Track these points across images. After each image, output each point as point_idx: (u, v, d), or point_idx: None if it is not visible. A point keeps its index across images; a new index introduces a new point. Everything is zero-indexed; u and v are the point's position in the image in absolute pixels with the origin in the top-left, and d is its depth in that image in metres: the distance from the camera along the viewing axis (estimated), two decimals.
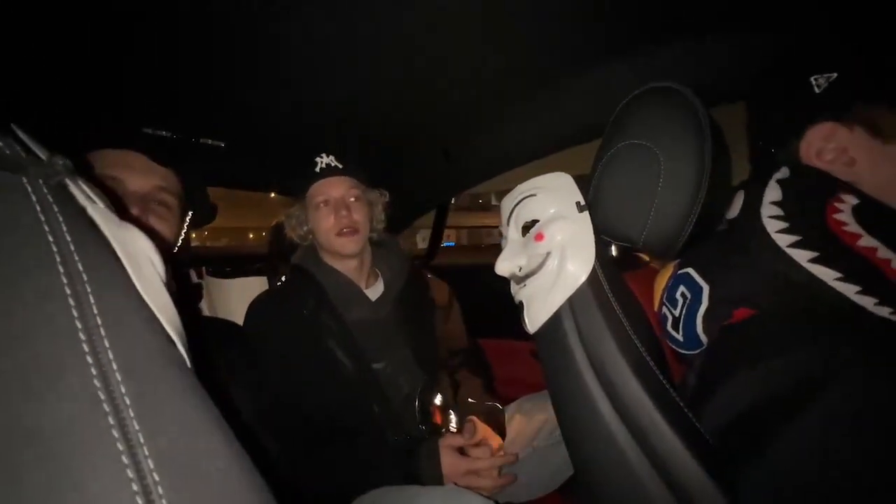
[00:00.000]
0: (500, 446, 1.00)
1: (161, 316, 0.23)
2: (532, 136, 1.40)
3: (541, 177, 0.62)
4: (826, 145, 0.56)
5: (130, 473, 0.18)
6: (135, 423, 0.19)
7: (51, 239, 0.20)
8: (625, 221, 0.59)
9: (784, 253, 0.53)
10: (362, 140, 1.45)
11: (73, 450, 0.18)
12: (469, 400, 1.09)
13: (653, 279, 0.72)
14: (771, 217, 0.55)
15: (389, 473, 0.93)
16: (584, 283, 0.56)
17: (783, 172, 0.57)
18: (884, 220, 0.51)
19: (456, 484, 0.91)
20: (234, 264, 1.64)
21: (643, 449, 0.52)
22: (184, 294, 0.90)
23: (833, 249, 0.51)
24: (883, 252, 0.49)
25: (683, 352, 0.63)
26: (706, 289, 0.59)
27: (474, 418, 1.01)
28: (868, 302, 0.49)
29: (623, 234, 0.60)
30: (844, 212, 0.51)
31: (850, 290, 0.49)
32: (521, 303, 0.63)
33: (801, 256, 0.52)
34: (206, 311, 1.52)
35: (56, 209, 0.21)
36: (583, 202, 0.59)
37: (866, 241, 0.50)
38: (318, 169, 1.11)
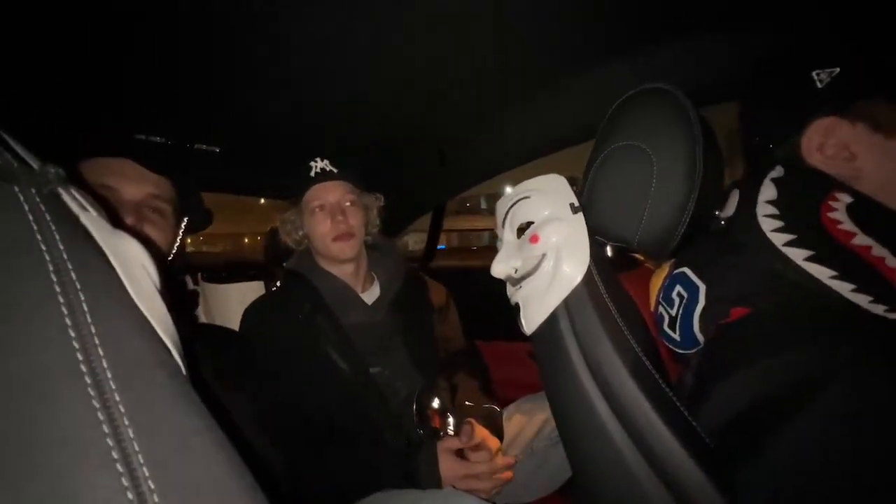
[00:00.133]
0: (498, 449, 1.00)
1: (155, 323, 0.23)
2: (531, 136, 1.41)
3: (535, 179, 0.62)
4: (827, 140, 0.56)
5: (126, 482, 0.18)
6: (130, 431, 0.19)
7: (43, 248, 0.20)
8: (619, 222, 0.59)
9: (779, 252, 0.53)
10: (361, 141, 1.45)
11: (68, 459, 0.17)
12: (466, 403, 1.09)
13: (648, 279, 0.72)
14: (766, 216, 0.55)
15: (388, 477, 0.92)
16: (579, 284, 0.56)
17: (778, 171, 0.57)
18: (878, 219, 0.52)
19: (454, 487, 0.91)
20: (230, 271, 1.63)
21: (640, 449, 0.52)
22: (180, 300, 0.89)
23: (827, 248, 0.51)
24: (877, 250, 0.49)
25: (680, 351, 0.63)
26: (703, 288, 0.59)
27: (472, 421, 1.01)
28: (862, 300, 0.49)
29: (617, 234, 0.60)
30: (839, 210, 0.52)
31: (844, 289, 0.49)
32: (517, 304, 0.63)
33: (797, 255, 0.52)
34: (202, 318, 1.52)
35: (49, 218, 0.21)
36: (577, 204, 0.59)
37: (860, 239, 0.50)
38: (312, 174, 1.11)
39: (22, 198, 0.21)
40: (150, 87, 1.03)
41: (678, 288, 0.63)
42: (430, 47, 0.96)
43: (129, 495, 0.18)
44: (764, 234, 0.54)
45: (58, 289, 0.20)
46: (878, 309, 0.49)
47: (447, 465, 0.92)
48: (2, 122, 0.25)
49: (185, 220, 0.86)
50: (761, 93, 0.65)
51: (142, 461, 0.18)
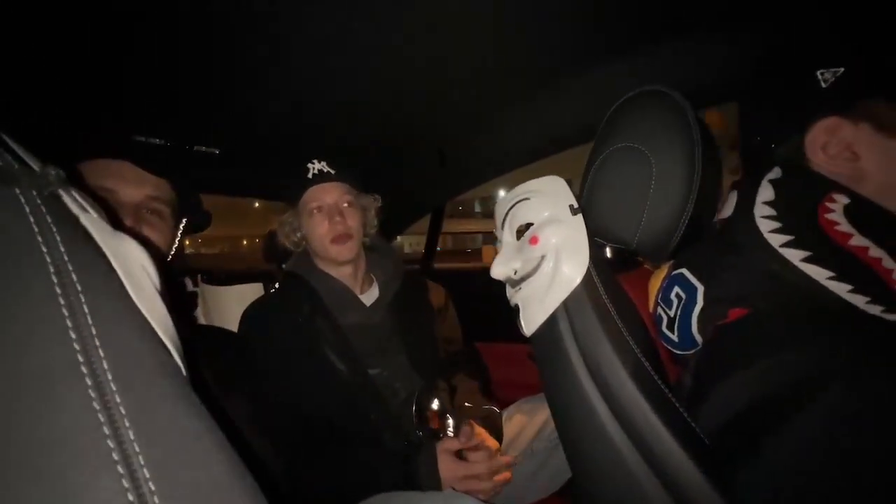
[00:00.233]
0: (496, 450, 1.00)
1: (156, 325, 0.23)
2: (532, 136, 1.41)
3: (534, 181, 0.62)
4: (831, 139, 0.56)
5: (126, 483, 0.18)
6: (130, 432, 0.19)
7: (44, 249, 0.20)
8: (618, 224, 0.59)
9: (777, 252, 0.53)
10: (361, 142, 1.45)
11: (69, 461, 0.17)
12: (466, 404, 1.09)
13: (647, 280, 0.72)
14: (763, 217, 0.55)
15: (388, 479, 0.92)
16: (578, 286, 0.56)
17: (775, 172, 0.57)
18: (875, 220, 0.52)
19: (454, 488, 0.91)
20: (231, 276, 1.63)
21: (640, 450, 0.52)
22: (179, 302, 0.89)
23: (825, 249, 0.51)
24: (874, 251, 0.49)
25: (679, 352, 0.63)
26: (701, 289, 0.59)
27: (471, 422, 1.01)
28: (860, 300, 0.49)
29: (616, 236, 0.60)
30: (836, 211, 0.52)
31: (842, 289, 0.50)
32: (516, 306, 0.63)
33: (794, 256, 0.52)
34: (201, 319, 1.52)
35: (49, 219, 0.21)
36: (576, 205, 0.59)
37: (857, 240, 0.50)
38: (310, 175, 1.11)
39: (23, 199, 0.21)
40: (150, 88, 1.03)
41: (677, 289, 0.63)
42: (430, 47, 0.96)
43: (130, 497, 0.18)
44: (762, 235, 0.54)
45: (59, 290, 0.20)
46: (875, 309, 0.49)
47: (446, 467, 0.92)
48: (2, 124, 0.25)
49: (185, 221, 0.86)
50: (761, 93, 0.65)
51: (142, 462, 0.18)
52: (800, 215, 0.53)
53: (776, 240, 0.53)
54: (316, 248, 1.14)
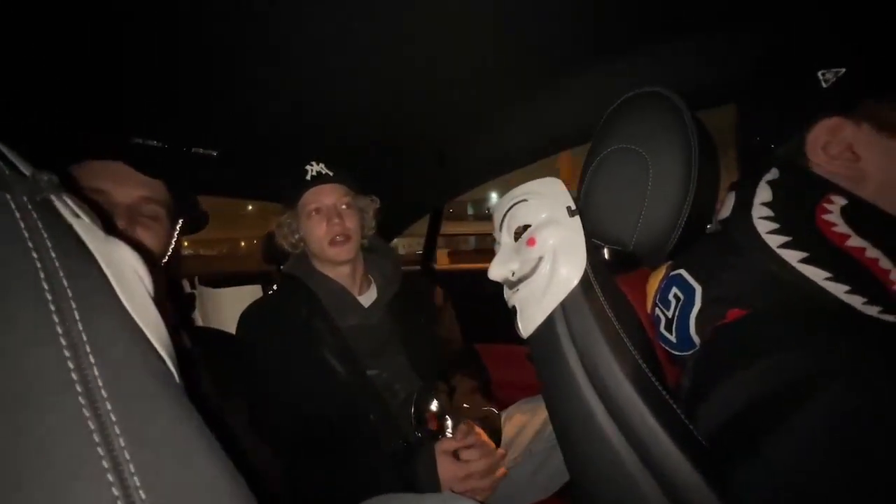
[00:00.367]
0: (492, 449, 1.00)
1: (147, 331, 0.23)
2: (532, 136, 1.41)
3: (532, 182, 0.62)
4: (832, 139, 0.56)
5: (116, 491, 0.18)
6: (121, 440, 0.19)
7: (35, 256, 0.20)
8: (615, 225, 0.59)
9: (775, 253, 0.53)
10: (360, 142, 1.45)
11: (58, 468, 0.17)
12: (464, 405, 1.09)
13: (645, 281, 0.72)
14: (761, 218, 0.55)
15: (386, 480, 0.92)
16: (576, 287, 0.56)
17: (773, 173, 0.57)
18: (872, 221, 0.52)
19: (452, 490, 0.90)
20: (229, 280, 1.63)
21: (637, 451, 0.52)
22: (176, 304, 0.89)
23: (823, 250, 0.51)
24: (871, 252, 0.49)
25: (676, 353, 0.63)
26: (699, 290, 0.59)
27: (469, 422, 1.01)
28: (857, 301, 0.49)
29: (614, 237, 0.60)
30: (833, 213, 0.52)
31: (839, 290, 0.50)
32: (514, 307, 0.63)
33: (792, 257, 0.52)
34: (198, 321, 1.52)
35: (41, 226, 0.21)
36: (573, 207, 0.59)
37: (855, 241, 0.50)
38: (308, 177, 1.11)
39: (14, 206, 0.21)
40: (148, 88, 1.03)
41: (674, 290, 0.63)
42: (430, 47, 0.96)
43: None
44: (759, 236, 0.54)
45: (49, 297, 0.20)
46: (872, 310, 0.49)
47: (445, 468, 0.92)
48: (5, 118, 0.25)
49: (181, 222, 0.86)
50: (761, 93, 0.65)
51: (133, 470, 0.18)
52: (798, 216, 0.53)
53: (774, 241, 0.53)
54: (314, 250, 1.14)
